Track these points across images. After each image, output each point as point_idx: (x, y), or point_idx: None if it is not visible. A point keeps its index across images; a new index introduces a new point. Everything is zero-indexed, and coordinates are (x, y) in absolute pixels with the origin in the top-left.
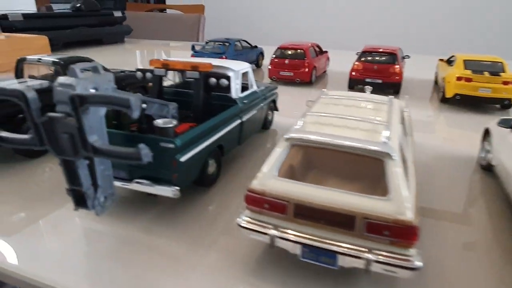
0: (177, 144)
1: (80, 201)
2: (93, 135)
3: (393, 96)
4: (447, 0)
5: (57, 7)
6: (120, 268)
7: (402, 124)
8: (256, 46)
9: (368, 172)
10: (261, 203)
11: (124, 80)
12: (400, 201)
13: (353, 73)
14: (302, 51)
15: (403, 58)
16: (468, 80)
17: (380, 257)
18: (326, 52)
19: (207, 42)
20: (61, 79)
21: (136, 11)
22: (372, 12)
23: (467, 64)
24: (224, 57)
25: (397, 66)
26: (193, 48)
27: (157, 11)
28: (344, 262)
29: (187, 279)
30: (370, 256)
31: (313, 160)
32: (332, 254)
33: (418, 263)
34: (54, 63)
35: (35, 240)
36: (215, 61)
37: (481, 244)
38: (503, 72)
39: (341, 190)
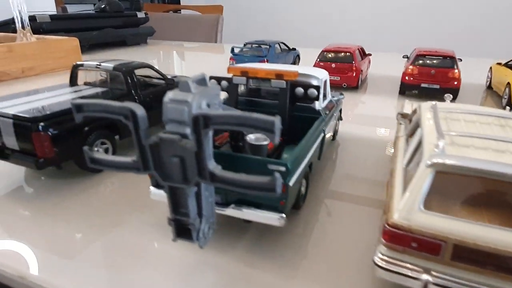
0: (289, 167)
1: (182, 232)
2: (211, 160)
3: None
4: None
5: (71, 9)
6: None
7: None
8: (294, 49)
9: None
10: (407, 241)
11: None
12: None
13: (406, 78)
14: (349, 54)
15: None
16: None
17: None
18: (369, 55)
19: (245, 44)
20: (174, 94)
21: (153, 12)
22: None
23: None
24: (266, 60)
25: (456, 71)
26: (232, 50)
27: (173, 12)
28: None
29: None
30: None
31: (454, 189)
32: None
33: None
34: (115, 69)
35: (117, 270)
36: (291, 68)
37: None
38: None
39: (506, 228)
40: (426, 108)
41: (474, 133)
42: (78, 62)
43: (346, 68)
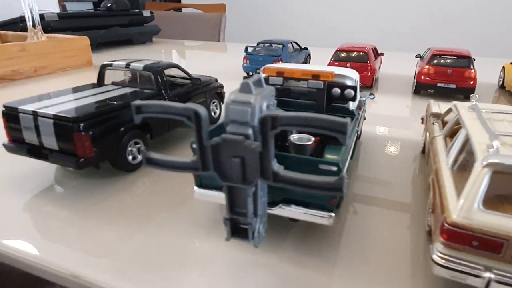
0: (340, 167)
1: (237, 231)
2: (275, 160)
3: None
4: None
5: (70, 7)
6: None
7: None
8: (306, 48)
9: None
10: (468, 240)
11: (205, 87)
12: None
13: (422, 77)
14: (364, 53)
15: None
16: None
17: None
18: (382, 54)
19: (258, 44)
20: (236, 96)
21: (155, 10)
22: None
23: None
24: (280, 59)
25: (472, 70)
26: (246, 50)
27: (174, 10)
28: None
29: None
30: None
31: (508, 188)
32: None
33: None
34: (146, 69)
35: (166, 271)
36: (324, 68)
37: None
38: None
39: None
40: (465, 108)
41: None
42: (106, 62)
43: (361, 68)
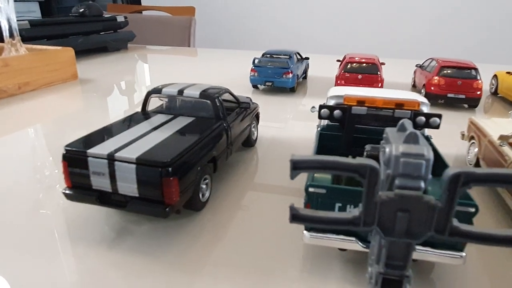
0: (478, 209)
1: (389, 285)
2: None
3: None
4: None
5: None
6: None
7: None
8: (307, 58)
9: None
10: None
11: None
12: None
13: (432, 88)
14: (374, 65)
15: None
16: None
17: None
18: (383, 64)
19: (263, 55)
20: (406, 148)
21: (118, 13)
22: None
23: None
24: (290, 71)
25: (480, 81)
26: (254, 62)
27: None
28: None
29: None
30: None
31: None
32: None
33: None
34: (202, 96)
35: None
36: (398, 94)
37: None
38: None
39: None
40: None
41: None
42: (153, 88)
43: (372, 79)
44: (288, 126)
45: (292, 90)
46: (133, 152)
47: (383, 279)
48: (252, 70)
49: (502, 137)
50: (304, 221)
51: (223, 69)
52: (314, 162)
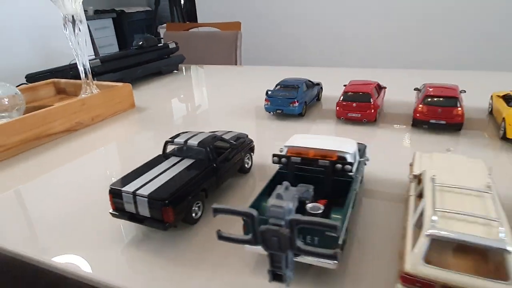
0: (339, 231)
1: (276, 277)
2: (298, 240)
3: (490, 185)
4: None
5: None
6: None
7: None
8: (318, 84)
9: (482, 253)
10: (415, 282)
11: (240, 146)
12: None
13: (417, 115)
14: (367, 94)
15: (461, 92)
16: None
17: None
18: (384, 88)
19: (276, 86)
20: (274, 201)
21: (176, 30)
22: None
23: None
24: (296, 101)
25: (459, 109)
26: (267, 93)
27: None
28: None
29: None
30: None
31: (446, 247)
32: None
33: None
34: (200, 145)
35: None
36: (330, 143)
37: None
38: None
39: (470, 275)
40: (428, 179)
41: (458, 209)
42: (169, 139)
43: (365, 107)
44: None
45: (300, 115)
46: (147, 190)
47: (272, 273)
48: (266, 100)
49: (413, 175)
50: (225, 240)
51: (263, 85)
52: (225, 209)
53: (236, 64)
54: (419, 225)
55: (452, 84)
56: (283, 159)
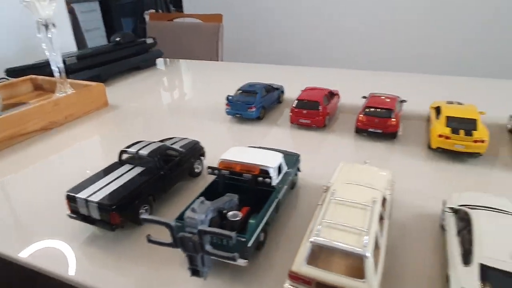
0: (248, 238)
1: (195, 273)
2: (207, 244)
3: (378, 197)
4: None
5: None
6: None
7: (381, 218)
8: (277, 88)
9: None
10: (298, 280)
11: (190, 152)
12: (370, 283)
13: (359, 124)
14: (315, 102)
15: (401, 102)
16: (447, 138)
17: None
18: (337, 94)
19: (237, 90)
20: (190, 214)
21: (159, 20)
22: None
23: (449, 120)
24: (254, 106)
25: (393, 119)
26: (227, 98)
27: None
28: None
29: None
30: None
31: (325, 251)
32: None
33: None
34: (149, 156)
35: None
36: (257, 156)
37: None
38: (476, 130)
39: (337, 274)
40: (330, 192)
41: (343, 221)
42: (124, 149)
43: (314, 114)
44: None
45: (259, 119)
46: (98, 196)
47: (192, 270)
48: (226, 104)
49: (325, 187)
50: (153, 243)
51: (239, 83)
52: (150, 220)
53: (217, 58)
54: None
55: (393, 95)
56: (216, 171)
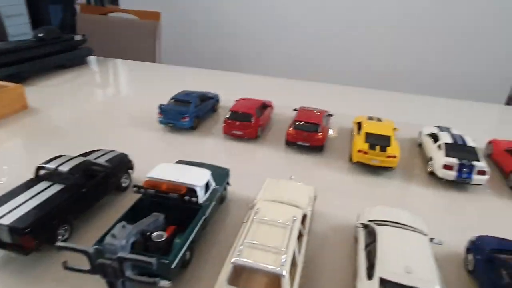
0: (171, 260)
1: None
2: (128, 270)
3: (298, 216)
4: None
5: None
6: None
7: (300, 235)
8: (212, 98)
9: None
10: None
11: (117, 167)
12: None
13: (289, 137)
14: (248, 114)
15: (328, 116)
16: (365, 153)
17: None
18: (269, 106)
19: (171, 99)
20: (110, 240)
21: (91, 13)
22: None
23: (368, 137)
24: (187, 116)
25: (320, 134)
26: (160, 107)
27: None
28: None
29: None
30: None
31: (246, 271)
32: None
33: None
34: (70, 173)
35: None
36: (185, 175)
37: None
38: (389, 146)
39: None
40: (253, 211)
41: (264, 240)
42: (41, 165)
43: (246, 126)
44: None
45: (192, 128)
46: (9, 218)
47: None
48: (159, 113)
49: (252, 205)
50: (70, 270)
51: (174, 89)
52: (66, 247)
53: (154, 59)
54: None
55: (321, 109)
56: (142, 190)
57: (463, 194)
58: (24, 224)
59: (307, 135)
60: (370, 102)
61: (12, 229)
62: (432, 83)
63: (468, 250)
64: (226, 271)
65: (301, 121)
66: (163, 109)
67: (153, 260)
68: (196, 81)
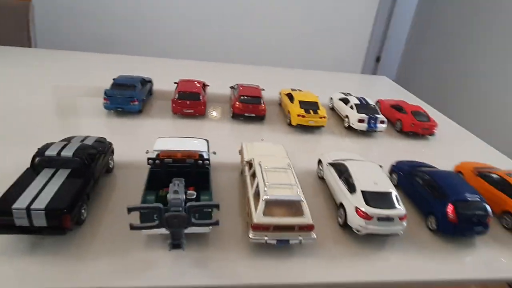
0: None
1: (175, 247)
2: (193, 218)
3: (289, 162)
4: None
5: None
6: None
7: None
8: (150, 81)
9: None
10: (260, 228)
11: (107, 150)
12: (307, 217)
13: (236, 110)
14: (197, 93)
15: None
16: (303, 116)
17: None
18: (207, 85)
19: (113, 83)
20: (173, 195)
21: None
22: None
23: (301, 104)
24: (136, 100)
25: (262, 105)
26: (105, 93)
27: None
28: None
29: None
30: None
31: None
32: (287, 241)
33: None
34: (75, 156)
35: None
36: (189, 144)
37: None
38: (319, 109)
39: (285, 217)
40: (257, 164)
41: (277, 181)
42: (37, 152)
43: (195, 104)
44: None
45: (140, 112)
46: (41, 203)
47: (172, 244)
48: (104, 99)
49: (246, 162)
50: (137, 229)
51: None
52: (137, 207)
53: (30, 44)
54: (256, 194)
55: (255, 85)
56: (157, 161)
57: (370, 139)
58: (63, 205)
59: (253, 107)
60: (284, 79)
61: (50, 211)
62: (303, 58)
63: (392, 171)
64: (260, 207)
65: (245, 96)
66: (108, 94)
67: (218, 203)
68: (78, 66)
